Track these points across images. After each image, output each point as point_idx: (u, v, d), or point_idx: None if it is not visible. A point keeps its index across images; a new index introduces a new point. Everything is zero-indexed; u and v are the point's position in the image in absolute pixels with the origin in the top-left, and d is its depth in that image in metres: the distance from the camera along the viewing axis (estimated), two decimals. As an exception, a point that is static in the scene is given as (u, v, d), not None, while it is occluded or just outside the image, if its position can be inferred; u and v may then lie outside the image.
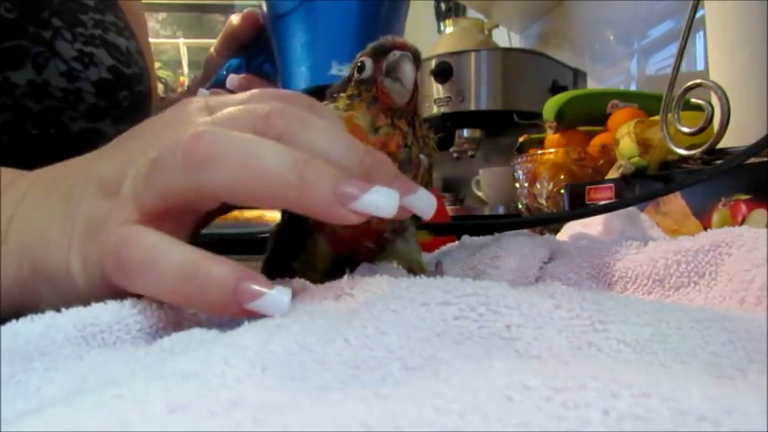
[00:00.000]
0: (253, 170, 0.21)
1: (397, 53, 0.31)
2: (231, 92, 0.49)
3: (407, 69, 0.31)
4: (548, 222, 0.51)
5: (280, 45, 0.52)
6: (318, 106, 0.27)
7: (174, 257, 0.21)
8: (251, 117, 0.24)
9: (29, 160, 0.29)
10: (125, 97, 0.50)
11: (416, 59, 0.32)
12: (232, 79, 0.50)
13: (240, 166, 0.21)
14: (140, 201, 0.22)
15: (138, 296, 0.22)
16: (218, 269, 0.20)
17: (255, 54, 0.57)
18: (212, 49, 0.61)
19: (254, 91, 0.27)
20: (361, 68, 0.33)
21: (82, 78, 0.46)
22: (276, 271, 0.35)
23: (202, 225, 0.28)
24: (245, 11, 0.60)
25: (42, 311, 0.23)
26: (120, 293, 0.22)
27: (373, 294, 0.21)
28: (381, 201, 0.21)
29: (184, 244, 0.21)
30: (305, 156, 0.21)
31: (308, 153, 0.22)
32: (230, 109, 0.25)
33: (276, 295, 0.20)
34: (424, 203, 0.24)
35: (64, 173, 0.26)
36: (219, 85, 0.56)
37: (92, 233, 0.23)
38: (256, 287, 0.20)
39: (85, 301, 0.23)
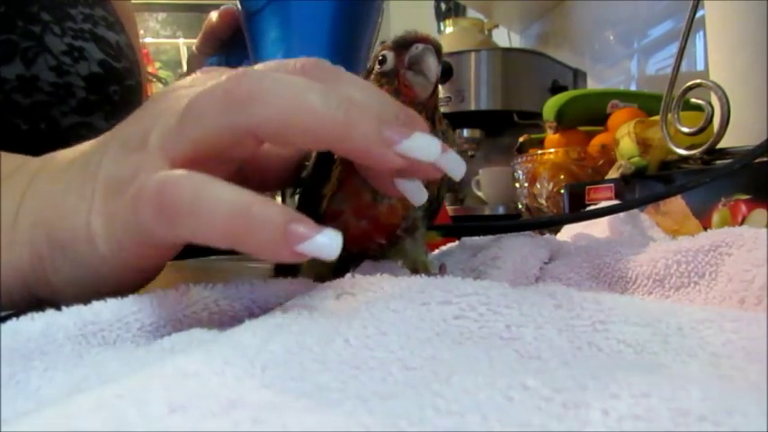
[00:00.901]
0: (300, 106, 0.20)
1: (420, 46, 0.31)
2: None
3: (431, 62, 0.31)
4: (559, 224, 0.51)
5: (252, 42, 0.52)
6: (345, 71, 0.27)
7: (225, 196, 0.20)
8: (286, 69, 0.23)
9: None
10: (115, 91, 0.49)
11: (438, 53, 0.32)
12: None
13: (287, 102, 0.20)
14: (170, 150, 0.22)
15: (139, 294, 0.22)
16: (269, 209, 0.19)
17: (234, 50, 0.56)
18: (194, 48, 0.61)
19: (274, 60, 0.27)
20: (382, 61, 0.32)
21: (72, 73, 0.46)
22: (289, 267, 0.35)
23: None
24: (222, 8, 0.59)
25: (55, 289, 0.23)
26: (142, 254, 0.21)
27: (374, 294, 0.21)
28: (425, 144, 0.21)
29: (231, 184, 0.20)
30: (350, 98, 0.21)
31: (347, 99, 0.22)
32: (262, 65, 0.24)
33: (326, 238, 0.19)
34: (456, 164, 0.24)
35: (79, 150, 0.26)
36: None
37: (116, 191, 0.22)
38: (306, 229, 0.19)
39: (105, 267, 0.22)
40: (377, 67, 0.33)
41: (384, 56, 0.32)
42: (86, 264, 0.22)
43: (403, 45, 0.32)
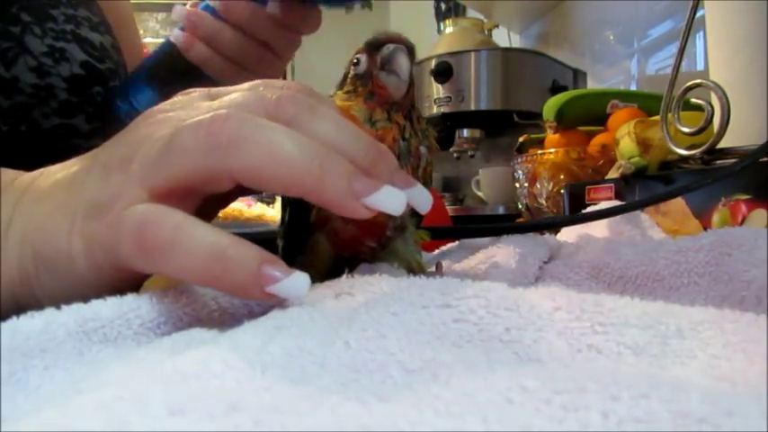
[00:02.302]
0: (277, 156, 0.21)
1: (391, 46, 0.32)
2: (214, 12, 0.46)
3: (402, 62, 0.31)
4: (550, 227, 0.51)
5: None
6: (320, 95, 0.28)
7: (202, 237, 0.21)
8: (262, 102, 0.24)
9: (1, 158, 0.29)
10: (98, 93, 0.49)
11: (411, 52, 0.32)
12: (178, 10, 0.48)
13: (265, 150, 0.21)
14: (150, 180, 0.22)
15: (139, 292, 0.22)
16: (244, 252, 0.21)
17: None
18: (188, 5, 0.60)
19: (255, 81, 0.27)
20: (356, 64, 0.33)
21: (53, 74, 0.45)
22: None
23: (210, 216, 0.28)
24: None
25: (40, 303, 0.23)
26: (120, 276, 0.22)
27: (373, 295, 0.21)
28: (391, 199, 0.22)
29: (208, 224, 0.22)
30: (324, 148, 0.22)
31: (320, 141, 0.23)
32: (239, 94, 0.25)
33: (296, 280, 0.20)
34: (422, 198, 0.25)
35: (66, 168, 0.26)
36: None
37: (96, 214, 0.23)
38: (277, 272, 0.20)
39: (85, 285, 0.23)
40: (352, 69, 0.33)
41: (357, 58, 0.33)
42: (68, 281, 0.23)
43: (375, 46, 0.32)
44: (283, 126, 0.22)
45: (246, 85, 0.27)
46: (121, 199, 0.22)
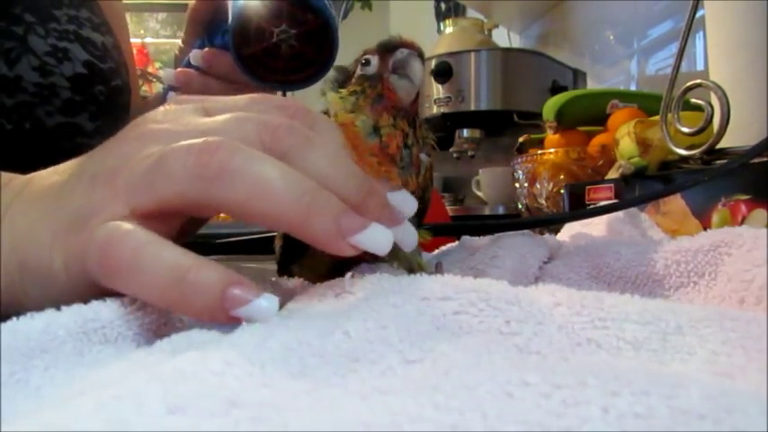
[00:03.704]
0: (265, 192, 0.21)
1: (405, 51, 0.32)
2: (197, 68, 0.48)
3: (416, 67, 0.31)
4: (548, 223, 0.51)
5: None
6: (320, 119, 0.27)
7: (164, 259, 0.20)
8: (258, 129, 0.24)
9: (5, 156, 0.29)
10: (101, 92, 0.50)
11: (422, 58, 0.32)
12: (195, 54, 0.49)
13: (253, 185, 0.21)
14: (134, 199, 0.22)
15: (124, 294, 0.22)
16: (207, 274, 0.20)
17: (217, 29, 0.56)
18: (180, 43, 0.61)
19: (253, 96, 0.27)
20: (365, 64, 0.33)
21: (56, 73, 0.46)
22: (289, 267, 0.35)
23: (191, 231, 0.28)
24: None
25: (26, 312, 0.23)
26: (100, 290, 0.22)
27: (373, 290, 0.21)
28: (378, 238, 0.22)
29: (174, 245, 0.21)
30: (314, 185, 0.22)
31: (313, 175, 0.22)
32: (233, 117, 0.24)
33: (262, 303, 0.20)
34: (408, 236, 0.25)
35: (60, 172, 0.26)
36: (186, 67, 0.55)
37: (76, 228, 0.22)
38: (243, 294, 0.20)
39: (66, 297, 0.22)
40: (359, 69, 0.33)
41: (368, 59, 0.32)
42: (51, 292, 0.23)
43: (388, 49, 0.32)
44: (275, 160, 0.22)
45: (243, 101, 0.26)
46: (101, 214, 0.22)
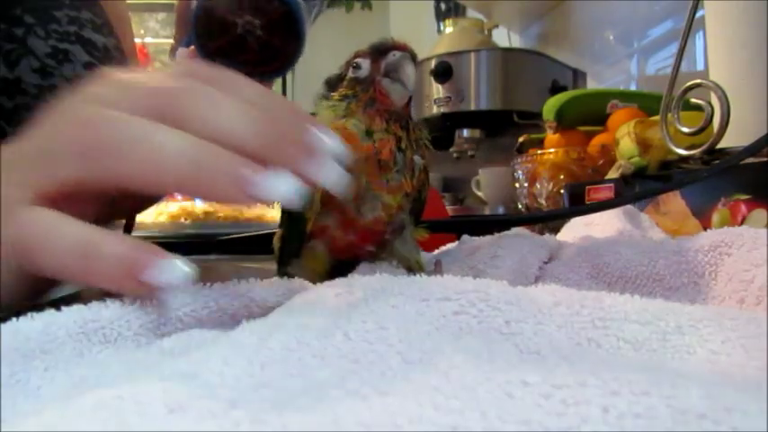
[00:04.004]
0: (145, 158, 0.21)
1: (398, 53, 0.31)
2: None
3: (409, 70, 0.31)
4: (544, 219, 0.51)
5: None
6: (231, 77, 0.25)
7: (69, 235, 0.21)
8: (150, 97, 0.23)
9: None
10: None
11: (414, 61, 0.32)
12: (181, 53, 0.49)
13: (132, 154, 0.21)
14: (35, 183, 0.22)
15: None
16: (113, 246, 0.20)
17: None
18: (172, 41, 0.61)
19: (176, 69, 0.26)
20: (356, 67, 0.32)
21: (56, 75, 0.46)
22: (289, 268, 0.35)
23: (138, 209, 0.28)
24: None
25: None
26: (36, 279, 0.22)
27: (373, 291, 0.21)
28: (278, 186, 0.21)
29: (83, 223, 0.21)
30: (203, 143, 0.21)
31: (212, 134, 0.21)
32: (128, 86, 0.24)
33: (170, 263, 0.20)
34: (331, 176, 0.22)
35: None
36: None
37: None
38: (149, 256, 0.20)
39: (9, 291, 0.22)
40: (351, 72, 0.32)
41: (358, 63, 0.32)
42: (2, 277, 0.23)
43: (380, 52, 0.32)
44: (163, 126, 0.21)
45: (161, 74, 0.25)
46: (11, 202, 0.22)
